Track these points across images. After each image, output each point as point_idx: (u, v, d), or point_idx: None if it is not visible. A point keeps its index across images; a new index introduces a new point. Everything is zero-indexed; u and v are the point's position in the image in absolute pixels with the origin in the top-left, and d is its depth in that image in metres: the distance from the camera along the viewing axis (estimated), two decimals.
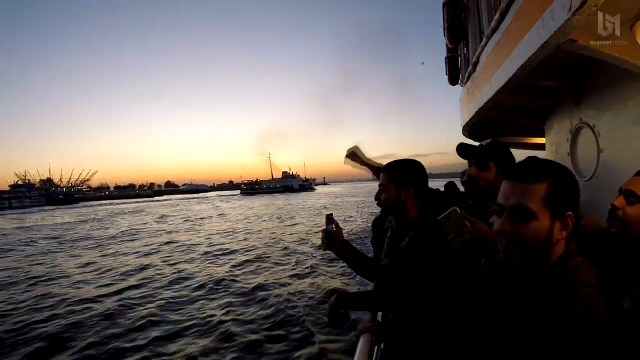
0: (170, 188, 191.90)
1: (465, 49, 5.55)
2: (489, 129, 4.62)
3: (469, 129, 4.66)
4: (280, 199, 64.37)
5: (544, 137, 3.75)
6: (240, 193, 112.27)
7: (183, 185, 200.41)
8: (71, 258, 14.85)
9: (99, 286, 10.01)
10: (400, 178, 1.70)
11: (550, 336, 0.75)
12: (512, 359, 0.83)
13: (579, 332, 0.74)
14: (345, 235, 1.95)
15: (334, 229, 1.83)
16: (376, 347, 1.81)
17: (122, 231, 23.88)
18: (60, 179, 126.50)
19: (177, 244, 17.10)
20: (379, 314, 1.97)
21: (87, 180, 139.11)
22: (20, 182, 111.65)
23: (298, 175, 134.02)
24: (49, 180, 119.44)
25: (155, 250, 15.68)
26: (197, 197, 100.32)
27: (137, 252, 15.40)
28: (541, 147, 4.22)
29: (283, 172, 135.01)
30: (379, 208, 1.88)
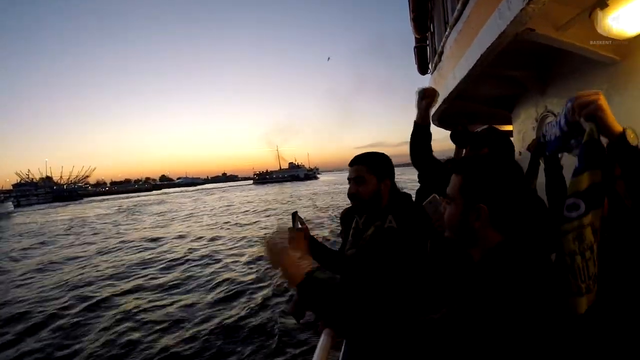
0: (165, 182, 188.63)
1: (433, 39, 5.52)
2: (458, 117, 4.61)
3: (438, 117, 4.63)
4: (289, 187, 68.91)
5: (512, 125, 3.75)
6: (253, 183, 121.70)
7: (178, 179, 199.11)
8: None
9: None
10: (381, 170, 1.64)
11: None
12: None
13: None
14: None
15: (300, 227, 1.77)
16: (343, 340, 1.77)
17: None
18: (61, 177, 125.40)
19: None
20: None
21: (87, 176, 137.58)
22: (22, 181, 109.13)
23: (303, 165, 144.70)
24: (49, 178, 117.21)
25: None
26: (208, 189, 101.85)
27: None
28: (509, 135, 4.23)
29: (290, 163, 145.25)
30: None
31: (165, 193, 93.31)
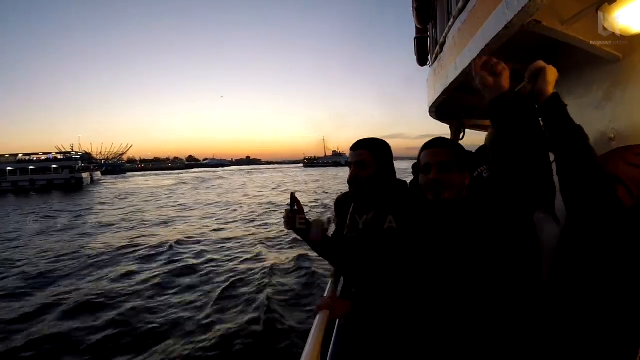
0: (193, 162, 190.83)
1: (434, 30, 5.47)
2: (456, 110, 4.60)
3: (436, 110, 4.62)
4: (332, 171, 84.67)
5: None
6: (303, 166, 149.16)
7: (204, 160, 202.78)
8: None
9: None
10: (382, 157, 1.68)
11: None
12: None
13: None
14: None
15: (297, 209, 1.77)
16: (337, 322, 1.80)
17: None
18: (100, 152, 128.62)
19: None
20: (339, 289, 1.96)
21: (124, 153, 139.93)
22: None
23: (344, 153, 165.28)
24: (86, 153, 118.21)
25: None
26: (256, 170, 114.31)
27: None
28: None
29: (333, 151, 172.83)
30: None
31: (219, 171, 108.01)
